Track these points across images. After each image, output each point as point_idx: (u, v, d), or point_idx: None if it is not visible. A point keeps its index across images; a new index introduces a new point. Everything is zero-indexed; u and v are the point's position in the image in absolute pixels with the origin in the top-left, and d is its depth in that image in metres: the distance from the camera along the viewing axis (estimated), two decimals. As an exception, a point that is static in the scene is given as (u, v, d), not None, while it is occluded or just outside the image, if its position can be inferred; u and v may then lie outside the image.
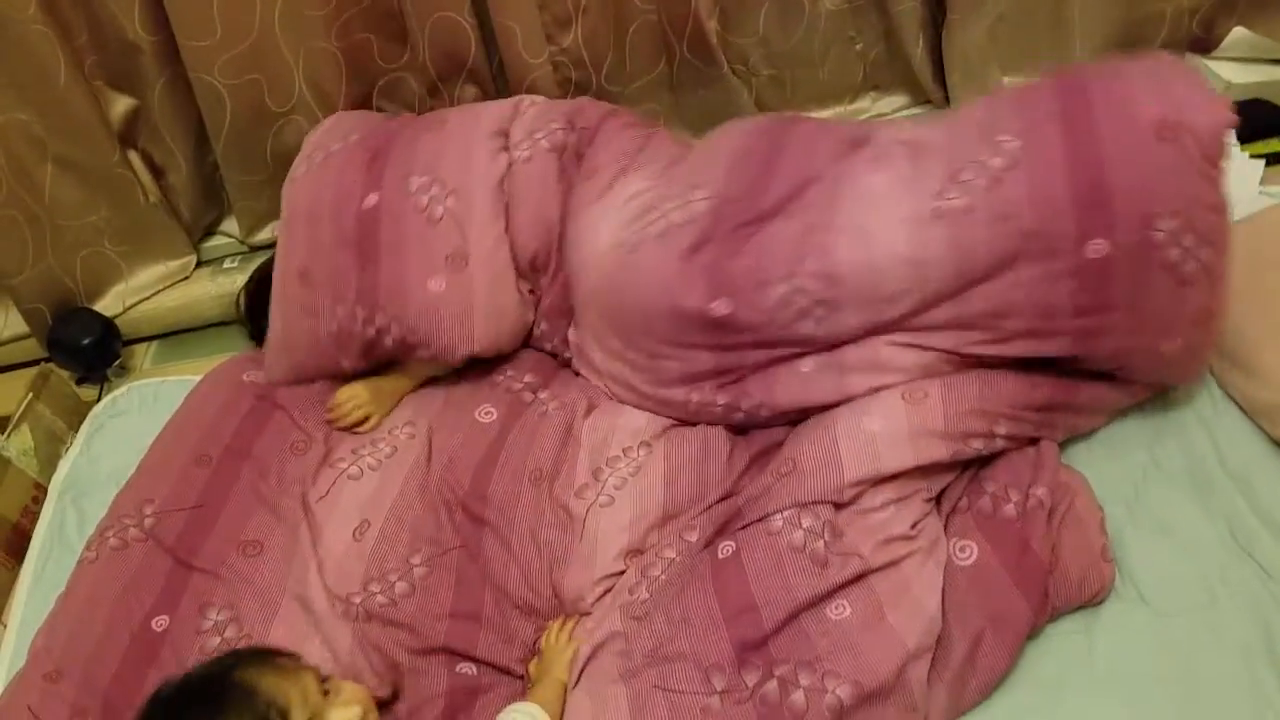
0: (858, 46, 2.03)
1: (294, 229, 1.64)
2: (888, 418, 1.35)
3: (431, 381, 1.68)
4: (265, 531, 1.49)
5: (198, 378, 1.80)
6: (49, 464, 1.81)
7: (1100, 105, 1.31)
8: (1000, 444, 1.37)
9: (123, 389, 1.89)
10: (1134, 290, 1.30)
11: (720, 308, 1.40)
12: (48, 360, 2.00)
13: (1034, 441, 1.39)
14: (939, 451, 1.33)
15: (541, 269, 1.65)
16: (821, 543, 1.26)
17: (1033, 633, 1.26)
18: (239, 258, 2.12)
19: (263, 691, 1.09)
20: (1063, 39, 2.02)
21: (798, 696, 1.14)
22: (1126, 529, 1.36)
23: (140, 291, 2.08)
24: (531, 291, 1.66)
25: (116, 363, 2.02)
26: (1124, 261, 1.28)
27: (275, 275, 1.66)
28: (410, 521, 1.46)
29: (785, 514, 1.30)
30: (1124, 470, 1.43)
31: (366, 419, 1.61)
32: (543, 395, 1.61)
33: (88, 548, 1.52)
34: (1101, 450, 1.46)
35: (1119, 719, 1.20)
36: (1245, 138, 1.90)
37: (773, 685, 1.16)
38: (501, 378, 1.64)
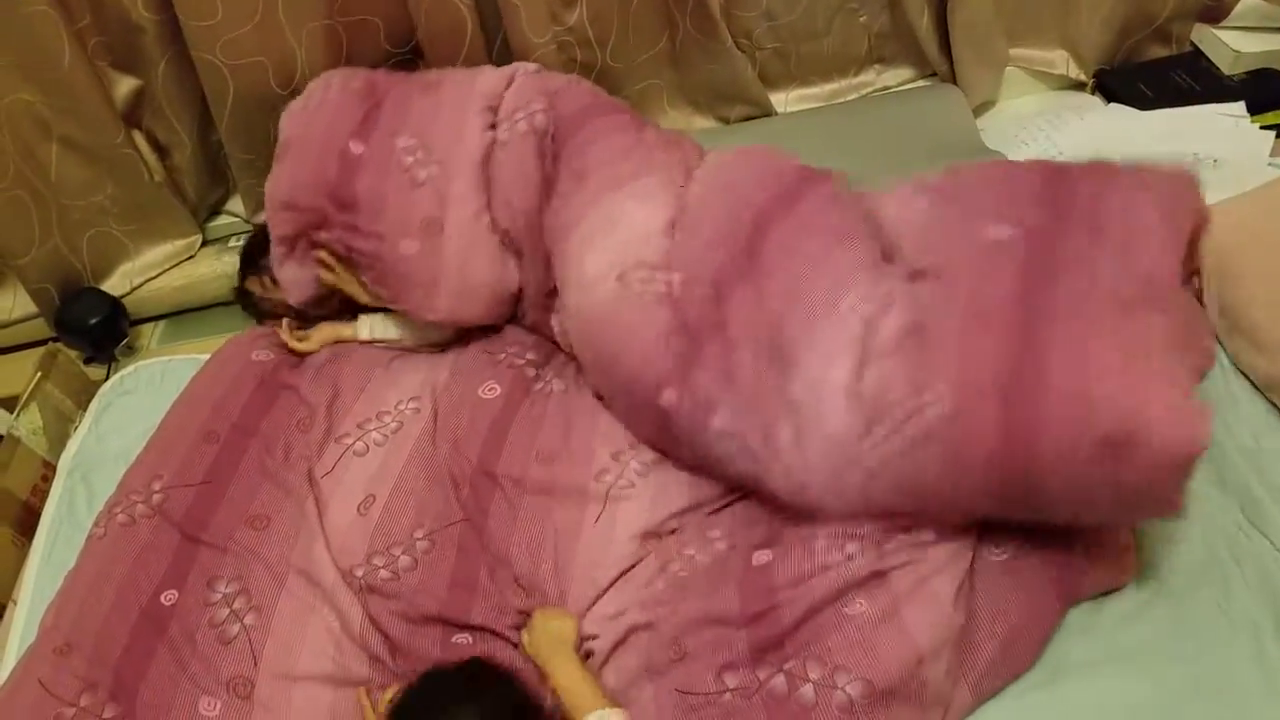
0: (862, 18, 2.01)
1: (281, 159, 1.65)
2: None
3: (436, 358, 1.70)
4: (272, 506, 1.51)
5: (205, 356, 1.81)
6: (58, 443, 1.82)
7: (1055, 403, 1.11)
8: None
9: (130, 368, 1.90)
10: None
11: (669, 398, 1.36)
12: (55, 340, 2.00)
13: None
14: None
15: (510, 252, 1.64)
16: (860, 562, 1.22)
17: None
18: (244, 237, 2.12)
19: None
20: (1069, 9, 2.00)
21: (806, 690, 1.12)
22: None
23: (147, 271, 2.08)
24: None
25: (124, 342, 2.03)
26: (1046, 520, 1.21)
27: (266, 210, 1.67)
28: (415, 496, 1.47)
29: (832, 537, 1.25)
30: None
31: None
32: (545, 373, 1.62)
33: (96, 525, 1.54)
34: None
35: (1130, 696, 1.19)
36: (1255, 109, 1.89)
37: (780, 679, 1.14)
38: (503, 355, 1.65)
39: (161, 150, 2.01)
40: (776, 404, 1.27)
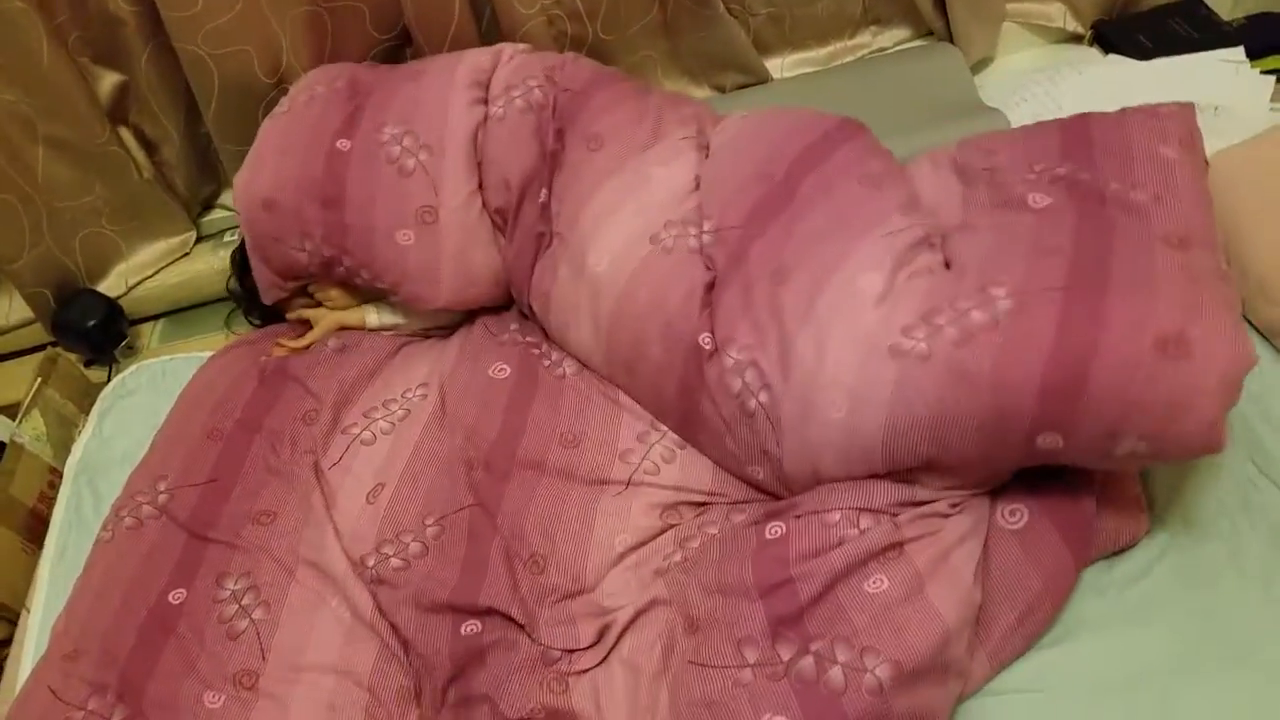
0: (855, -20, 1.98)
1: (263, 160, 1.63)
2: None
3: (442, 344, 1.69)
4: (278, 501, 1.50)
5: (206, 354, 1.80)
6: (62, 448, 1.80)
7: (1115, 303, 1.13)
8: None
9: (131, 369, 1.89)
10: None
11: (705, 341, 1.35)
12: (54, 344, 1.99)
13: None
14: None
15: (500, 229, 1.63)
16: (875, 534, 1.21)
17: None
18: (239, 230, 2.10)
19: None
20: (1069, -38, 1.97)
21: (835, 673, 1.10)
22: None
23: (142, 270, 2.06)
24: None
25: (123, 343, 2.01)
26: (1071, 455, 1.18)
27: (240, 208, 1.64)
28: (425, 482, 1.46)
29: (845, 512, 1.24)
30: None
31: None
32: (549, 351, 1.60)
33: (103, 528, 1.53)
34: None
35: (1141, 649, 1.19)
36: (1255, 53, 1.86)
37: (809, 661, 1.12)
38: (507, 335, 1.63)
39: (150, 146, 1.98)
40: (797, 321, 1.28)
